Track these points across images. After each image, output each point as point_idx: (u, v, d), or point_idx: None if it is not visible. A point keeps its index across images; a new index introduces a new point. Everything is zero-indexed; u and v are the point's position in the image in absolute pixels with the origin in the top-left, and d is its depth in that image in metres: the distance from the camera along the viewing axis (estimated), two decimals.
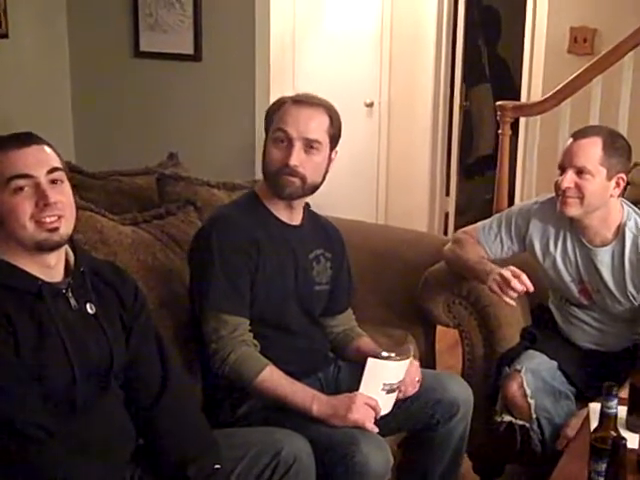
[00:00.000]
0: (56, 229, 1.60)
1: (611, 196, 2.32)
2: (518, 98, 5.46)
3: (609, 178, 2.29)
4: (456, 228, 5.38)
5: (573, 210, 2.32)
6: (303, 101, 2.09)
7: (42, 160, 1.62)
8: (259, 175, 3.66)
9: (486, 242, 2.51)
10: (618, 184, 2.31)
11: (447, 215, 5.46)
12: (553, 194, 2.42)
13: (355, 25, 5.05)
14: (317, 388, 2.12)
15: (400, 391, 2.08)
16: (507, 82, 5.91)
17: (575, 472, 1.80)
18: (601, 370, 2.42)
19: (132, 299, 1.79)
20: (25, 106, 3.74)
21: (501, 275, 2.26)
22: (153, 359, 1.81)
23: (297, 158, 2.03)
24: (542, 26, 4.38)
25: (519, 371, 2.36)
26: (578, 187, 2.28)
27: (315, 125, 2.06)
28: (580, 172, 2.28)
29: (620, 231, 2.35)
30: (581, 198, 2.29)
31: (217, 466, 1.73)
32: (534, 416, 2.33)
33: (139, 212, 2.42)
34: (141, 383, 1.78)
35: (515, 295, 2.27)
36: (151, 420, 1.76)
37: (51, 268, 1.65)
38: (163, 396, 1.77)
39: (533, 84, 4.48)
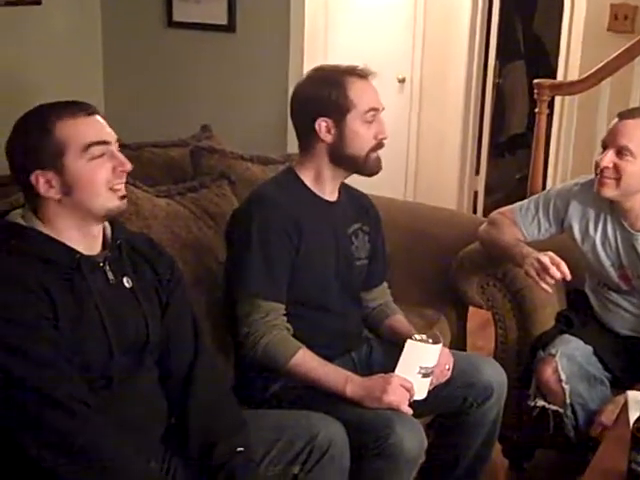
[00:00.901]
0: (125, 196, 1.62)
1: None
2: (553, 76, 5.35)
3: None
4: (485, 207, 5.34)
5: (609, 191, 2.28)
6: (364, 74, 2.05)
7: (109, 129, 1.63)
8: (291, 149, 3.69)
9: (523, 224, 2.47)
10: None
11: (476, 194, 5.39)
12: (593, 176, 2.37)
13: (387, 2, 4.97)
14: (350, 368, 2.10)
15: (434, 376, 2.05)
16: (542, 60, 5.80)
17: (614, 462, 1.76)
18: (638, 357, 2.39)
19: (168, 274, 1.77)
20: (56, 75, 3.71)
21: (539, 261, 2.21)
22: (187, 336, 1.79)
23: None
24: (581, 2, 4.28)
25: (554, 355, 2.32)
26: (616, 167, 2.24)
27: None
28: (620, 152, 2.24)
29: None
30: (618, 179, 2.25)
31: (240, 449, 1.70)
32: (568, 401, 2.30)
33: (173, 184, 2.40)
34: (173, 360, 1.77)
35: (552, 282, 2.23)
36: (181, 398, 1.75)
37: (95, 238, 1.64)
38: (193, 374, 1.76)
39: (570, 62, 4.38)
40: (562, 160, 3.85)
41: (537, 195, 2.54)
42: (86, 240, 1.62)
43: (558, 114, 4.47)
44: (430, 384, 2.03)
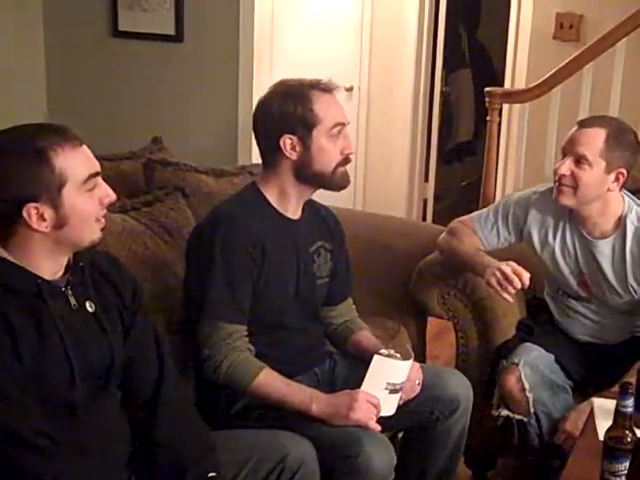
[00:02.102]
0: (104, 227, 1.56)
1: (609, 190, 2.27)
2: (497, 84, 5.42)
3: (608, 171, 2.23)
4: (434, 214, 5.36)
5: (566, 199, 2.28)
6: (329, 88, 2.01)
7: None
8: (242, 160, 3.65)
9: (482, 232, 2.46)
10: (617, 179, 2.25)
11: (425, 201, 5.41)
12: (552, 184, 2.37)
13: (335, 7, 4.96)
14: (313, 384, 2.07)
15: (403, 392, 2.02)
16: (486, 68, 5.88)
17: (585, 472, 1.75)
18: (599, 363, 2.40)
19: (131, 294, 1.70)
20: None
21: (501, 271, 2.20)
22: (151, 358, 1.73)
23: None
24: (527, 12, 4.34)
25: (517, 364, 2.31)
26: (574, 176, 2.24)
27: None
28: (578, 161, 2.23)
29: (621, 223, 2.31)
30: (575, 188, 2.25)
31: (212, 474, 1.65)
32: (532, 410, 2.29)
33: (126, 199, 2.33)
34: (138, 383, 1.70)
35: (514, 292, 2.22)
36: (146, 422, 1.68)
37: (62, 264, 1.57)
38: (159, 397, 1.69)
39: (517, 70, 4.43)
40: (513, 167, 3.86)
41: (496, 204, 2.53)
42: (52, 266, 1.55)
43: (506, 122, 4.51)
44: (399, 399, 2.00)
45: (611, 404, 2.02)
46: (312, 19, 4.98)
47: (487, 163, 3.54)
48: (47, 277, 1.54)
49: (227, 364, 1.93)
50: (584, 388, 2.36)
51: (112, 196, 1.57)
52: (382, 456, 1.85)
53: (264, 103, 2.02)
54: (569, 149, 2.26)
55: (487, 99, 3.49)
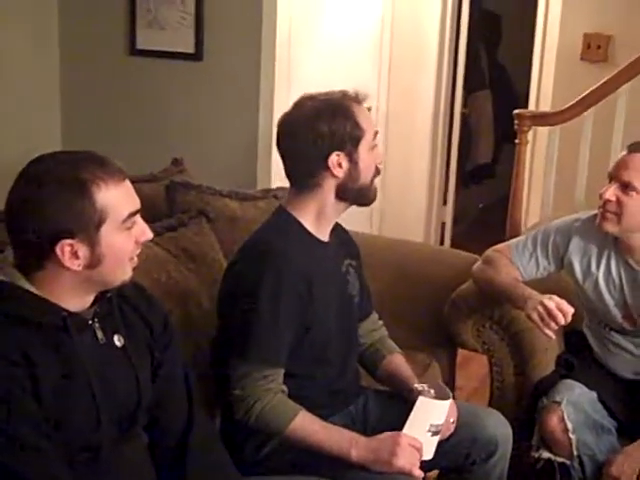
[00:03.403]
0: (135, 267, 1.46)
1: None
2: (518, 105, 5.31)
3: None
4: (453, 238, 5.24)
5: (609, 226, 2.18)
6: (362, 99, 1.92)
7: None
8: (261, 182, 3.53)
9: (520, 262, 2.34)
10: None
11: (444, 224, 5.29)
12: (594, 211, 2.26)
13: (354, 27, 4.86)
14: (348, 423, 1.95)
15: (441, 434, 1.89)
16: (507, 89, 5.78)
17: None
18: None
19: (162, 327, 1.59)
20: (9, 105, 3.50)
21: (544, 305, 2.08)
22: (180, 397, 1.61)
23: None
24: (554, 32, 4.24)
25: (559, 403, 2.19)
26: (619, 202, 2.14)
27: None
28: (625, 187, 2.13)
29: None
30: (619, 215, 2.15)
31: None
32: (575, 453, 2.17)
33: (147, 223, 2.21)
34: (165, 426, 1.59)
35: (556, 328, 2.10)
36: (174, 470, 1.56)
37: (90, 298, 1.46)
38: (189, 441, 1.58)
39: (542, 92, 4.32)
40: (538, 192, 3.74)
41: (534, 232, 2.41)
42: (79, 302, 1.44)
43: (530, 145, 4.39)
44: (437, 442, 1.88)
45: None
46: (330, 39, 4.89)
47: (515, 187, 3.43)
48: (72, 309, 1.42)
49: (260, 406, 1.80)
50: (629, 429, 2.23)
51: (149, 235, 1.47)
52: None
53: (307, 122, 1.86)
54: (616, 174, 2.15)
55: (516, 121, 3.38)
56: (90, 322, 1.45)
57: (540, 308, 2.09)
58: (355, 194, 1.91)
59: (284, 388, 1.86)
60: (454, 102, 5.03)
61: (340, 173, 1.87)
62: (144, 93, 3.63)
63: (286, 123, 1.91)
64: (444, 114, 4.95)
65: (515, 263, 2.34)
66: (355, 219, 4.37)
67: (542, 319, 2.09)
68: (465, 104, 5.38)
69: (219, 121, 3.54)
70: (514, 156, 5.92)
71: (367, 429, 1.95)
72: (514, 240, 2.41)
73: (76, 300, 1.43)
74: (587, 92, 3.24)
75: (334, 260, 2.00)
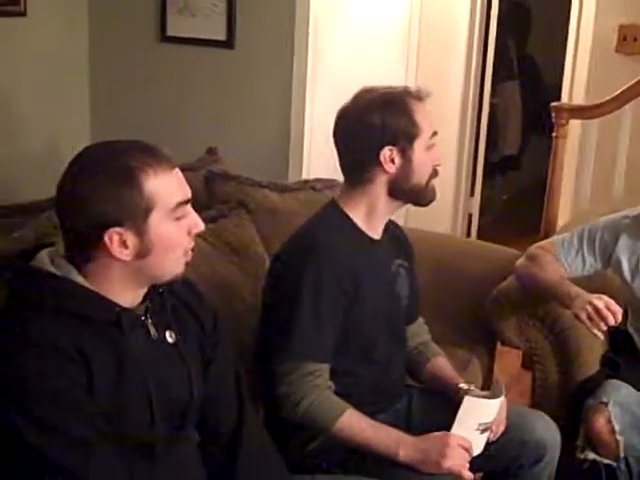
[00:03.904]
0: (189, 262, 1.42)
1: None
2: (546, 97, 5.24)
3: None
4: (479, 229, 5.18)
5: None
6: (424, 96, 1.87)
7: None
8: (293, 173, 3.49)
9: (565, 259, 2.29)
10: None
11: (470, 216, 5.23)
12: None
13: (382, 15, 4.79)
14: (392, 421, 1.90)
15: (491, 431, 1.85)
16: (535, 80, 5.71)
17: None
18: None
19: (212, 323, 1.56)
20: (39, 92, 3.47)
21: (593, 305, 2.03)
22: (231, 395, 1.58)
23: None
24: (588, 23, 4.14)
25: (606, 404, 2.14)
26: None
27: None
28: None
29: None
30: None
31: None
32: (622, 455, 2.12)
33: None
34: (216, 424, 1.56)
35: (605, 328, 2.05)
36: (225, 469, 1.54)
37: (142, 292, 1.42)
38: (240, 442, 1.55)
39: (576, 84, 4.23)
40: (571, 187, 3.66)
41: (580, 228, 2.36)
42: (131, 296, 1.41)
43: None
44: (487, 439, 1.84)
45: None
46: (357, 26, 4.81)
47: (552, 182, 3.35)
48: (125, 305, 1.39)
49: (307, 403, 1.77)
50: None
51: (201, 226, 1.44)
52: None
53: (360, 113, 1.83)
54: None
55: (553, 114, 3.30)
56: (143, 318, 1.42)
57: (589, 308, 2.04)
58: (408, 193, 1.87)
59: (331, 384, 1.82)
60: (483, 92, 4.96)
61: (392, 169, 1.83)
62: (174, 81, 3.59)
63: (341, 114, 1.87)
64: (473, 104, 4.88)
65: (560, 260, 2.29)
66: None
67: (591, 319, 2.04)
68: (494, 94, 5.33)
69: (250, 111, 3.49)
70: (540, 148, 5.89)
71: (411, 427, 1.91)
72: (559, 237, 2.36)
73: (127, 294, 1.40)
74: (627, 86, 3.16)
75: (384, 259, 1.96)
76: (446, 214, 5.03)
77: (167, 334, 1.45)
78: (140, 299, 1.43)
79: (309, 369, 1.79)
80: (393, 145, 1.81)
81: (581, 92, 4.17)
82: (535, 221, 4.98)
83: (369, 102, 1.83)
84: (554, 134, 3.34)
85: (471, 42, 4.78)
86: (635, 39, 4.00)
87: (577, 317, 2.09)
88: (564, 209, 4.06)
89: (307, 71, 3.50)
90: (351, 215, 1.88)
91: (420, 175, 1.85)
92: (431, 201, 1.92)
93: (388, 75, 4.85)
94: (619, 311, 2.03)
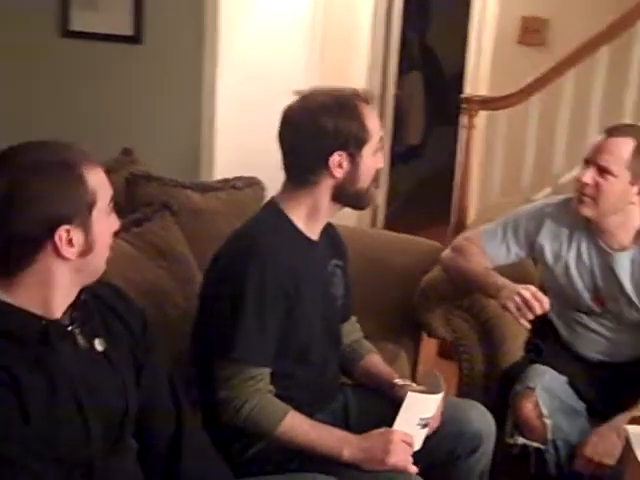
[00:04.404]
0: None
1: (632, 203, 2.18)
2: (447, 87, 5.36)
3: (632, 183, 2.16)
4: (387, 217, 5.25)
5: (587, 210, 2.20)
6: (371, 99, 1.85)
7: None
8: (204, 172, 3.43)
9: (491, 249, 2.34)
10: (632, 186, 2.17)
11: (376, 207, 5.28)
12: (563, 196, 2.29)
13: (286, 10, 4.77)
14: (330, 420, 1.90)
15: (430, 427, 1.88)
16: (435, 71, 5.82)
17: None
18: (611, 384, 2.31)
19: (141, 328, 1.51)
20: None
21: (520, 296, 2.08)
22: (166, 400, 1.55)
23: None
24: (491, 15, 4.25)
25: (532, 389, 2.20)
26: (597, 186, 2.16)
27: None
28: (603, 171, 2.15)
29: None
30: (596, 198, 2.17)
31: None
32: (550, 437, 2.18)
33: None
34: (154, 431, 1.52)
35: (532, 317, 2.10)
36: (169, 475, 1.51)
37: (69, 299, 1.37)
38: (181, 446, 1.52)
39: (480, 75, 4.34)
40: (477, 177, 3.74)
41: (503, 218, 2.41)
42: (64, 301, 1.36)
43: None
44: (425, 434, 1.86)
45: None
46: (261, 21, 4.79)
47: (463, 174, 3.44)
48: (55, 316, 1.34)
49: (249, 407, 1.75)
50: (597, 410, 2.26)
51: (118, 224, 1.43)
52: None
53: (312, 116, 1.78)
54: (593, 158, 2.16)
55: (464, 105, 3.38)
56: (70, 328, 1.37)
57: (517, 298, 2.09)
58: (351, 197, 1.86)
59: (272, 388, 1.81)
60: (386, 83, 5.02)
61: (339, 174, 1.81)
62: (78, 78, 3.46)
63: (289, 115, 1.82)
64: (377, 96, 4.93)
65: (485, 249, 2.34)
66: None
67: (519, 309, 2.09)
68: (398, 86, 5.40)
69: (161, 108, 3.41)
70: (442, 138, 6.01)
71: (350, 426, 1.92)
72: (483, 228, 2.41)
73: (61, 301, 1.35)
74: (535, 77, 3.26)
75: (321, 260, 1.95)
76: None
77: (96, 342, 1.41)
78: (66, 307, 1.37)
79: (251, 373, 1.77)
80: (343, 150, 1.79)
81: (485, 83, 4.28)
82: (439, 210, 5.11)
83: (320, 105, 1.79)
84: (464, 125, 3.42)
85: (374, 34, 4.82)
86: (537, 30, 4.13)
87: (505, 307, 2.13)
88: (470, 199, 4.15)
89: (217, 65, 3.45)
90: (291, 216, 1.86)
91: (365, 180, 1.84)
92: (369, 205, 1.92)
93: (293, 68, 4.85)
94: (546, 300, 2.08)
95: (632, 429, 1.97)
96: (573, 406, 2.25)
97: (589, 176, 2.15)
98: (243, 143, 4.19)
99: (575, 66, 3.18)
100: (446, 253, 2.39)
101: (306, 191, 1.84)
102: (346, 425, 1.92)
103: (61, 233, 1.29)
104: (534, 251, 2.34)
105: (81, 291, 1.39)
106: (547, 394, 2.20)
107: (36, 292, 1.32)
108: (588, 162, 2.18)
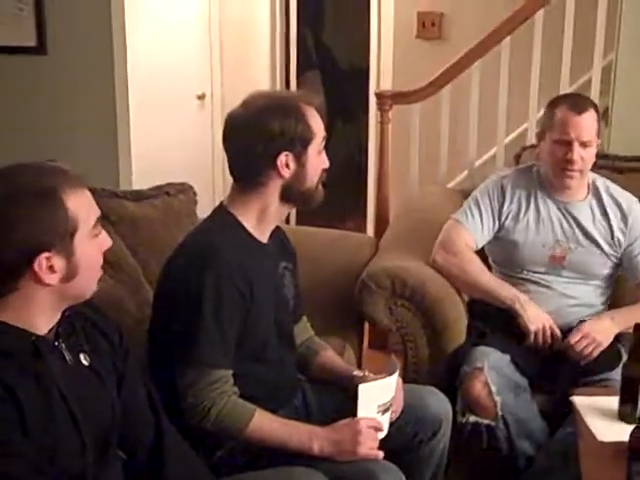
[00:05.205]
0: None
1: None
2: (345, 83, 5.44)
3: (596, 145, 2.46)
4: (298, 217, 5.26)
5: (574, 182, 2.46)
6: (314, 101, 1.90)
7: None
8: (123, 181, 3.37)
9: (474, 230, 2.51)
10: (597, 149, 2.47)
11: None
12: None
13: (182, 14, 4.74)
14: (292, 415, 1.93)
15: (393, 411, 1.92)
16: (332, 69, 5.91)
17: (609, 476, 1.72)
18: (549, 359, 2.41)
19: (118, 339, 1.53)
20: None
21: (550, 326, 2.37)
22: (145, 407, 1.56)
23: None
24: (388, 12, 4.34)
25: (481, 369, 2.28)
26: (582, 159, 2.41)
27: None
28: (584, 145, 2.39)
29: (592, 187, 2.52)
30: (582, 170, 2.43)
31: None
32: (500, 414, 2.26)
33: None
34: (136, 438, 1.54)
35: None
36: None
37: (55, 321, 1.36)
38: (163, 453, 1.54)
39: (382, 70, 4.42)
40: (405, 170, 3.79)
41: (472, 199, 2.56)
42: (48, 322, 1.36)
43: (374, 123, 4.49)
44: (390, 418, 1.91)
45: (593, 401, 2.05)
46: (158, 22, 4.73)
47: (381, 168, 3.50)
48: (41, 332, 1.35)
49: (216, 410, 1.76)
50: (538, 385, 2.37)
51: (110, 242, 1.42)
52: None
53: (256, 119, 1.81)
54: (577, 137, 2.38)
55: (377, 101, 3.45)
56: (56, 344, 1.38)
57: (540, 326, 2.37)
58: (300, 196, 1.90)
59: (236, 390, 1.82)
60: (289, 83, 5.06)
61: (287, 174, 1.84)
62: None
63: (233, 120, 1.85)
64: None
65: (470, 233, 2.50)
66: (198, 206, 4.25)
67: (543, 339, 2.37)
68: (298, 84, 5.44)
69: (71, 120, 3.33)
70: (343, 135, 6.08)
71: (311, 421, 1.94)
72: (454, 215, 2.54)
73: (45, 321, 1.36)
74: (442, 69, 3.36)
75: (272, 262, 1.97)
76: None
77: (81, 357, 1.42)
78: (52, 324, 1.38)
79: (215, 377, 1.78)
80: (289, 150, 1.82)
81: (389, 78, 4.37)
82: (350, 205, 5.18)
83: (264, 107, 1.83)
84: (378, 120, 3.49)
85: (274, 34, 4.86)
86: (433, 24, 4.25)
87: (528, 331, 2.36)
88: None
89: (127, 70, 3.39)
90: (241, 220, 1.88)
91: (311, 179, 1.88)
92: (317, 204, 1.95)
93: (194, 71, 4.82)
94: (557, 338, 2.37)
95: (578, 400, 2.08)
96: (518, 382, 2.34)
97: (577, 153, 2.38)
98: (157, 148, 4.15)
99: (482, 57, 3.29)
100: (439, 254, 2.49)
101: (255, 194, 1.87)
102: (308, 421, 1.94)
103: (41, 261, 1.28)
104: (501, 219, 2.51)
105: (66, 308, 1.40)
106: (494, 373, 2.28)
107: (21, 313, 1.32)
108: (569, 142, 2.38)
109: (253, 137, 1.82)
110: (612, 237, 2.47)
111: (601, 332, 2.35)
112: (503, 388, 2.27)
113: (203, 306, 1.75)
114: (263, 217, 1.89)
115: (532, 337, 2.36)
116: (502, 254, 2.55)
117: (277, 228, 2.07)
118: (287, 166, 1.83)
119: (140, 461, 1.52)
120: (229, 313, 1.78)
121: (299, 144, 1.83)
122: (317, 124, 1.86)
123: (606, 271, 2.51)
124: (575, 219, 2.48)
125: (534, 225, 2.48)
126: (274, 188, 1.86)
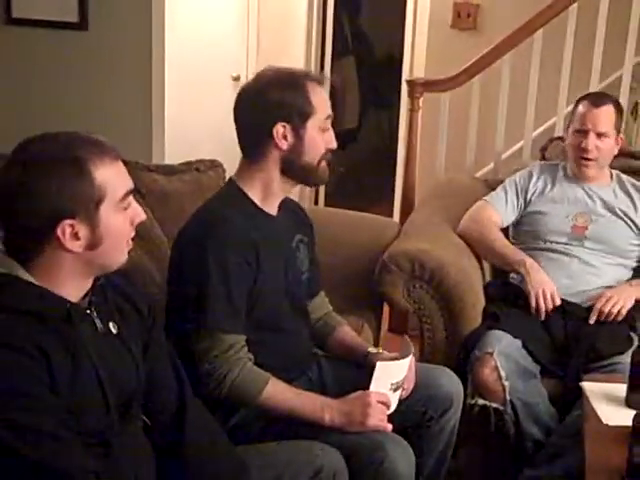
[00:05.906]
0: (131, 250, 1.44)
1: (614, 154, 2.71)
2: (379, 71, 5.46)
3: (615, 138, 2.67)
4: (327, 198, 5.34)
5: (591, 171, 2.69)
6: (321, 80, 1.96)
7: None
8: (156, 156, 3.46)
9: (500, 208, 2.74)
10: (617, 142, 2.69)
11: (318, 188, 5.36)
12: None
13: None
14: (307, 387, 2.00)
15: (403, 389, 1.99)
16: (368, 55, 5.94)
17: (611, 458, 1.77)
18: (561, 346, 2.46)
19: (147, 309, 1.58)
20: None
21: (551, 292, 2.49)
22: (169, 375, 1.61)
23: None
24: (425, 1, 4.37)
25: (491, 354, 2.33)
26: (598, 149, 2.63)
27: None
28: (600, 135, 2.61)
29: (615, 177, 2.76)
30: (598, 159, 2.66)
31: None
32: (508, 398, 2.32)
33: None
34: (159, 405, 1.59)
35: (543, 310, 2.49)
36: (173, 448, 1.57)
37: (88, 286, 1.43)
38: (185, 420, 1.59)
39: (416, 59, 4.46)
40: (433, 159, 3.84)
41: (501, 186, 2.80)
42: (78, 290, 1.42)
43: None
44: (400, 396, 1.97)
45: (602, 388, 2.10)
46: (198, 3, 4.80)
47: (409, 155, 3.55)
48: (73, 299, 1.41)
49: (232, 377, 1.83)
50: (549, 371, 2.42)
51: (143, 216, 1.46)
52: (405, 459, 1.83)
53: (258, 90, 1.89)
54: (594, 127, 2.61)
55: (408, 88, 3.49)
56: (88, 311, 1.43)
57: (540, 291, 2.49)
58: (300, 171, 1.93)
59: (251, 356, 1.88)
60: (323, 69, 5.10)
61: (284, 145, 1.89)
62: (24, 66, 3.45)
63: (242, 91, 1.93)
64: None
65: (498, 212, 2.73)
66: None
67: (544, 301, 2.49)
68: (332, 70, 5.48)
69: (109, 96, 3.42)
70: (376, 121, 6.13)
71: (326, 393, 2.00)
72: (487, 197, 2.79)
73: (75, 288, 1.41)
74: (475, 59, 3.39)
75: (284, 234, 2.02)
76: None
77: (111, 325, 1.48)
78: (84, 292, 1.44)
79: (229, 342, 1.84)
80: (287, 122, 1.87)
81: (422, 67, 4.41)
82: (379, 190, 5.23)
83: (269, 80, 1.89)
84: (409, 107, 3.53)
85: (311, 19, 4.89)
86: (469, 15, 4.28)
87: (532, 296, 2.49)
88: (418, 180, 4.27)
89: (165, 50, 3.47)
90: (248, 192, 1.94)
91: (312, 155, 1.91)
92: (322, 182, 2.00)
93: (229, 53, 4.88)
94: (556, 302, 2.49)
95: (587, 386, 2.13)
96: (528, 368, 2.40)
97: (592, 143, 2.62)
98: (190, 126, 4.22)
99: (513, 48, 3.32)
100: (465, 222, 2.74)
101: (257, 166, 1.93)
102: (323, 394, 2.00)
103: (64, 227, 1.33)
104: (526, 197, 2.75)
105: (98, 277, 1.46)
106: (504, 358, 2.34)
107: (51, 277, 1.37)
108: (587, 132, 2.61)
109: (254, 107, 1.88)
110: (636, 210, 2.66)
111: (622, 294, 2.50)
112: (512, 373, 2.33)
113: (210, 272, 1.81)
114: (267, 189, 1.95)
115: (533, 301, 2.47)
116: (526, 227, 2.72)
117: (292, 202, 2.14)
118: (284, 138, 1.88)
119: (163, 425, 1.58)
120: (236, 277, 1.84)
121: (297, 117, 1.87)
122: (320, 101, 1.90)
123: (629, 247, 2.64)
124: (598, 195, 2.69)
125: (559, 198, 2.70)
126: (273, 160, 1.90)
